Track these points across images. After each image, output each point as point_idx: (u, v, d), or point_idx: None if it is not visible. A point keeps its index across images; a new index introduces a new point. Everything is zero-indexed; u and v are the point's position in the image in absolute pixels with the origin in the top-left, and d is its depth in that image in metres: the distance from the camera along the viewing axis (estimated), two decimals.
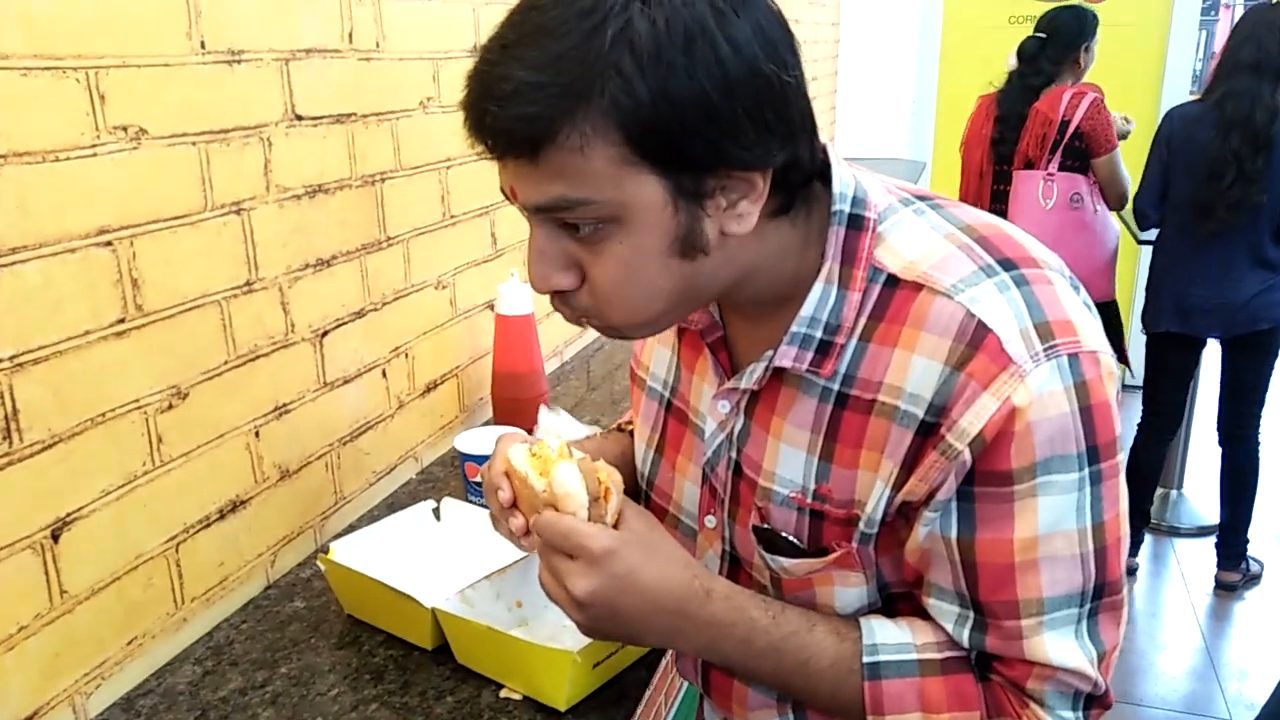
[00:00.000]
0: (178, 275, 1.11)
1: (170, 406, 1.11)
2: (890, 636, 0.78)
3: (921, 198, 0.81)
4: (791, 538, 0.81)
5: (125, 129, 1.03)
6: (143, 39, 1.04)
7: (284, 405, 1.30)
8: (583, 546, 0.74)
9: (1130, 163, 3.15)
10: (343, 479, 1.42)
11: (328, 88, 1.33)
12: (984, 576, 0.73)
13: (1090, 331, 0.72)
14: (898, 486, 0.74)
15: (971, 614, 0.76)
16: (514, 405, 1.70)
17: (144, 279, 1.06)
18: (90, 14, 0.98)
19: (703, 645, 0.79)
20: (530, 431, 1.31)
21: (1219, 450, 3.10)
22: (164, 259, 1.09)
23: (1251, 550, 3.20)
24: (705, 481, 0.89)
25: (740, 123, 0.66)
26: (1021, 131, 3.17)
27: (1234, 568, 3.15)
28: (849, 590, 0.81)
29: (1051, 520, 0.71)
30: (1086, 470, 0.71)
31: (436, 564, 1.30)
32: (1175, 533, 3.52)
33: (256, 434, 1.25)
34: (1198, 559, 3.33)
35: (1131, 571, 3.25)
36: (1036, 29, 3.29)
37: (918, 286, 0.73)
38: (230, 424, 1.21)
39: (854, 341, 0.76)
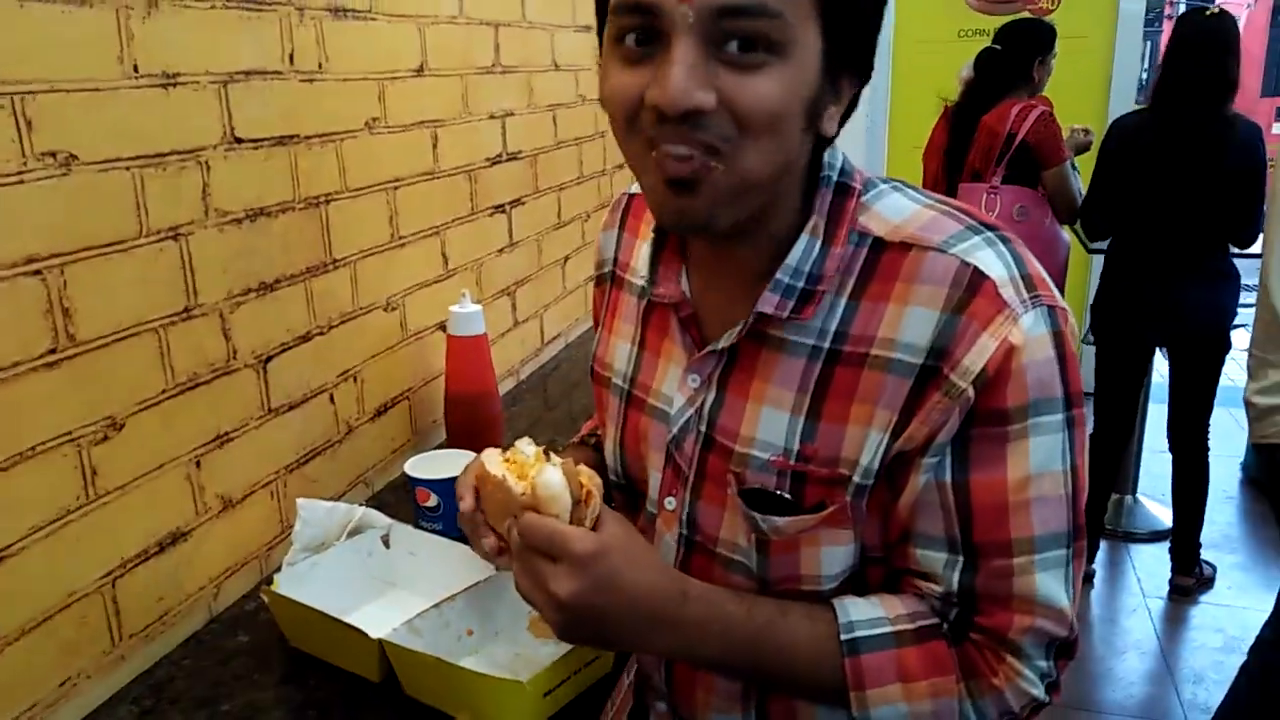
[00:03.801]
0: (112, 303, 1.08)
1: (105, 438, 1.08)
2: (864, 613, 0.80)
3: (897, 180, 0.85)
4: (785, 494, 0.81)
5: (54, 155, 1.00)
6: (72, 64, 1.02)
7: (226, 434, 1.27)
8: (567, 549, 0.74)
9: (1086, 174, 3.19)
10: (289, 507, 1.39)
11: (269, 110, 1.31)
12: (979, 518, 0.76)
13: (1058, 294, 0.78)
14: (896, 434, 0.76)
15: (961, 558, 0.78)
16: (468, 427, 1.68)
17: (76, 308, 1.04)
18: (16, 40, 0.96)
19: (679, 646, 0.79)
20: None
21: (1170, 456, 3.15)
22: (97, 287, 1.06)
23: (1205, 554, 3.25)
24: (669, 462, 0.89)
25: (874, 35, 0.75)
26: (970, 143, 3.21)
27: (1188, 572, 3.20)
28: (836, 549, 0.81)
29: (1041, 460, 0.75)
30: (1066, 414, 0.75)
31: (385, 593, 1.28)
32: (1131, 538, 3.56)
33: (197, 464, 1.22)
34: (1153, 564, 3.37)
35: (1089, 578, 3.29)
36: (994, 40, 3.33)
37: (906, 246, 0.77)
38: (169, 454, 1.18)
39: (842, 300, 0.78)
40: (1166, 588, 3.24)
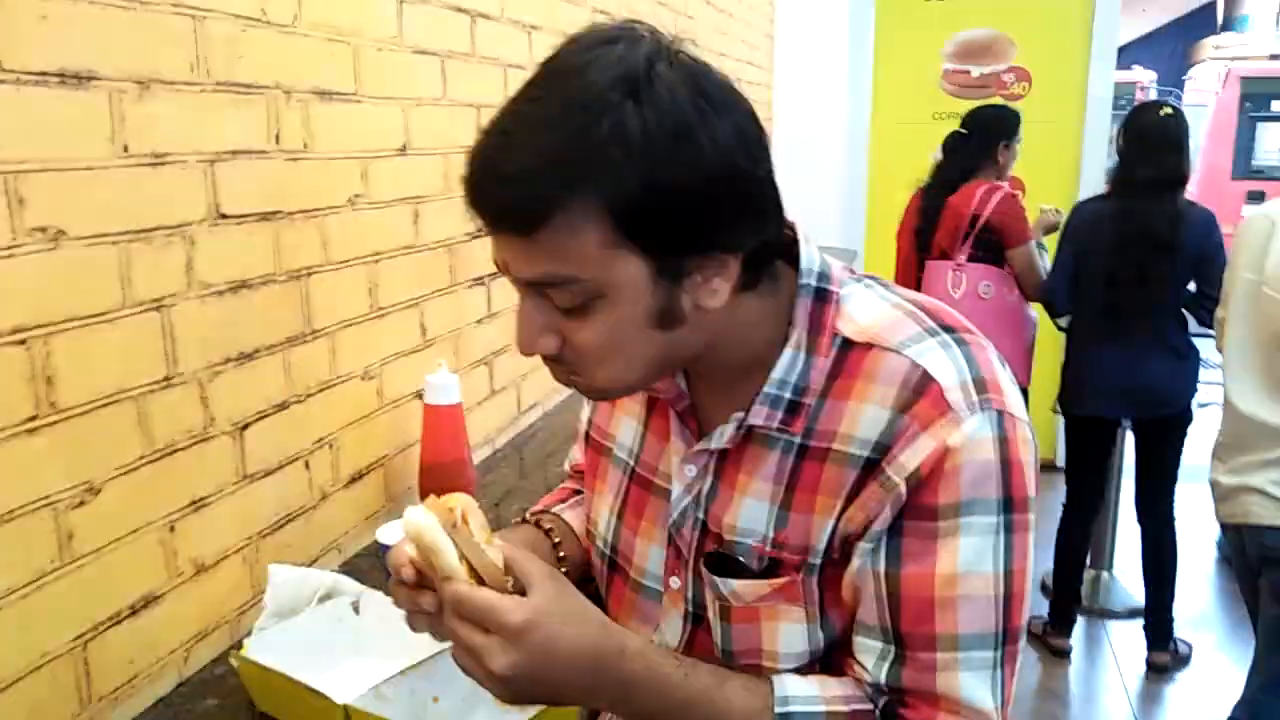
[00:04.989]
0: (94, 372, 1.12)
1: (82, 503, 1.11)
2: (801, 690, 0.82)
3: (869, 278, 0.89)
4: (741, 559, 0.85)
5: (44, 230, 1.05)
6: (65, 144, 1.08)
7: (201, 499, 1.30)
8: (502, 623, 0.73)
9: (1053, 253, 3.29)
10: (261, 573, 1.41)
11: (253, 186, 1.37)
12: (906, 609, 0.79)
13: (1014, 400, 0.80)
14: (839, 517, 0.80)
15: (893, 648, 0.80)
16: (442, 495, 1.70)
17: (58, 376, 1.07)
18: (12, 122, 1.01)
19: (617, 700, 0.81)
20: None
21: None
22: (80, 356, 1.10)
23: (1181, 631, 3.26)
24: (670, 543, 0.92)
25: (719, 212, 0.74)
26: (936, 223, 3.32)
27: (1163, 649, 3.20)
28: (793, 627, 0.84)
29: (970, 560, 0.77)
30: (1003, 517, 0.78)
31: (354, 659, 1.29)
32: (1107, 614, 3.56)
33: (171, 529, 1.25)
34: (1130, 641, 3.37)
35: (1065, 654, 3.28)
36: (961, 125, 3.46)
37: (869, 346, 0.81)
38: (145, 519, 1.21)
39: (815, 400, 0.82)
40: (1143, 665, 3.24)
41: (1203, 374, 3.06)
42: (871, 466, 0.78)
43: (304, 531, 1.52)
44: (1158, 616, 3.20)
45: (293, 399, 1.48)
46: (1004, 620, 0.79)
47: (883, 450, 0.78)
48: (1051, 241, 3.33)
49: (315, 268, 1.52)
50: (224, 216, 1.31)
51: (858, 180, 5.02)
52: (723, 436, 0.86)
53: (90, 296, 1.12)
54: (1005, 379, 0.81)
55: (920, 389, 0.77)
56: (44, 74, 1.04)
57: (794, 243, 0.86)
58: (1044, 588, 3.54)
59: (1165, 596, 3.16)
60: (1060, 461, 3.34)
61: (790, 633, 0.84)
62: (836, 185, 5.12)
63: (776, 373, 0.83)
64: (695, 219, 0.73)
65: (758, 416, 0.83)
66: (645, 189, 0.70)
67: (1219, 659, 3.30)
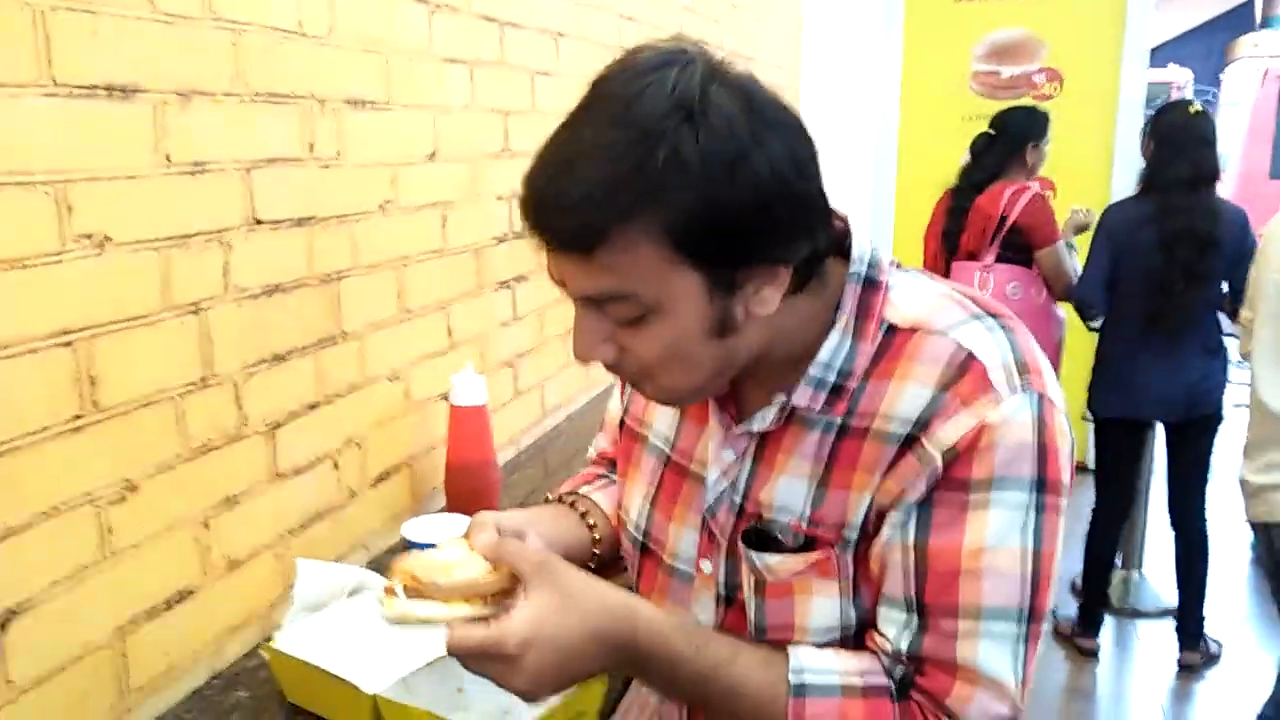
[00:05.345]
0: (134, 373, 1.17)
1: (122, 499, 1.16)
2: (816, 661, 0.84)
3: (914, 270, 0.91)
4: (779, 535, 0.88)
5: (90, 236, 1.10)
6: (112, 154, 1.12)
7: (234, 496, 1.34)
8: (503, 653, 0.76)
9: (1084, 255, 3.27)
10: (291, 568, 1.45)
11: (288, 193, 1.41)
12: (932, 579, 0.80)
13: (1054, 387, 0.82)
14: (876, 491, 0.82)
15: (915, 618, 0.81)
16: (467, 495, 1.74)
17: (101, 377, 1.12)
18: (63, 135, 1.06)
19: (635, 671, 0.84)
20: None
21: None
22: (122, 357, 1.15)
23: (1212, 631, 3.24)
24: (704, 528, 0.94)
25: (772, 229, 0.77)
26: (963, 224, 3.31)
27: (1194, 648, 3.18)
28: (825, 601, 0.86)
29: (999, 533, 0.79)
30: (1035, 496, 0.79)
31: (381, 651, 1.33)
32: (1138, 614, 3.55)
33: (206, 525, 1.29)
34: (1160, 641, 3.35)
35: (1094, 654, 3.27)
36: (990, 126, 3.45)
37: (914, 330, 0.83)
38: (180, 515, 1.25)
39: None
40: (1174, 666, 3.22)
41: (1234, 374, 3.04)
42: (910, 441, 0.80)
43: (333, 529, 1.56)
44: (1189, 616, 3.18)
45: (323, 400, 1.52)
46: (1030, 597, 0.80)
47: (923, 425, 0.79)
48: (1082, 241, 3.31)
49: (346, 272, 1.56)
50: (259, 222, 1.36)
51: (885, 183, 5.01)
52: (765, 419, 0.88)
53: (132, 300, 1.16)
54: (1046, 366, 0.83)
55: (964, 368, 0.79)
56: (93, 87, 1.09)
57: (845, 234, 0.88)
58: (1074, 589, 3.53)
59: (1197, 596, 3.14)
60: (1091, 464, 3.33)
61: (823, 607, 0.86)
62: (864, 187, 5.12)
63: (822, 355, 0.85)
64: (749, 235, 0.76)
65: (802, 398, 0.85)
66: (703, 210, 0.73)
67: (1250, 658, 3.27)
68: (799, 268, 0.81)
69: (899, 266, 0.90)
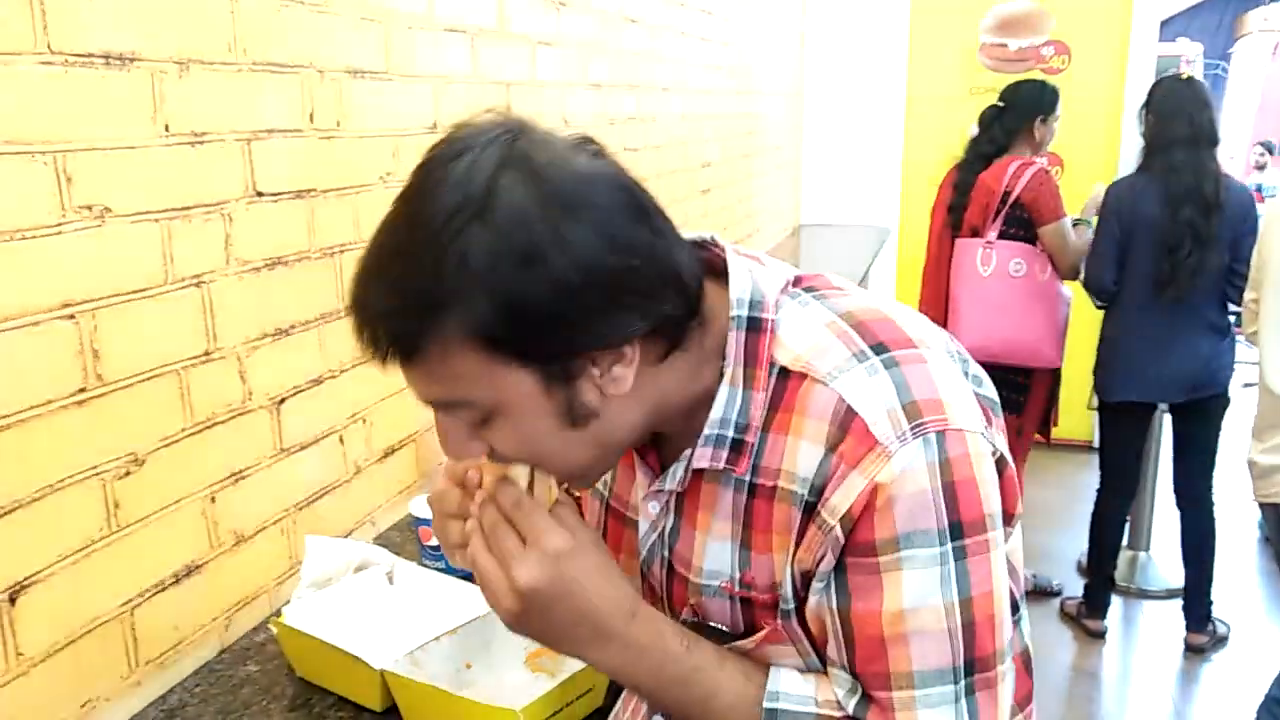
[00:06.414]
0: (138, 346, 1.16)
1: (128, 473, 1.15)
2: (794, 687, 0.82)
3: (807, 288, 0.85)
4: (721, 626, 0.86)
5: (90, 208, 1.08)
6: (110, 125, 1.10)
7: (240, 471, 1.33)
8: (542, 535, 0.75)
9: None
10: (298, 544, 1.45)
11: (288, 165, 1.40)
12: (859, 647, 0.77)
13: (960, 408, 0.76)
14: (793, 556, 0.79)
15: (858, 684, 0.78)
16: None
17: (104, 350, 1.11)
18: (61, 104, 1.04)
19: (616, 665, 0.81)
20: None
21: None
22: (125, 330, 1.13)
23: (1220, 612, 3.23)
24: (644, 580, 0.93)
25: (589, 315, 0.71)
26: (968, 199, 3.28)
27: (1201, 629, 3.18)
28: (792, 662, 0.84)
29: (917, 594, 0.74)
30: (950, 545, 0.74)
31: (388, 627, 1.32)
32: (1144, 595, 3.54)
33: (212, 500, 1.29)
34: (1167, 621, 3.35)
35: (1101, 635, 3.27)
36: (1000, 98, 3.40)
37: (802, 375, 0.78)
38: (186, 490, 1.24)
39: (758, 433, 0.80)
40: (1181, 646, 3.22)
41: (1243, 354, 3.02)
42: (810, 509, 0.76)
43: (339, 504, 1.56)
44: (1196, 598, 3.17)
45: (327, 374, 1.51)
46: (966, 651, 0.76)
47: (817, 492, 0.76)
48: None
49: (348, 245, 1.54)
50: (260, 194, 1.34)
51: (892, 156, 4.98)
52: (674, 477, 0.85)
53: (134, 272, 1.15)
54: (949, 388, 0.77)
55: (845, 425, 0.75)
56: (90, 55, 1.07)
57: (722, 269, 0.82)
58: (1079, 568, 3.52)
59: (1204, 578, 3.13)
60: (1096, 443, 3.31)
61: (792, 662, 0.84)
62: (870, 162, 5.08)
63: (715, 412, 0.80)
64: (565, 327, 0.70)
65: (702, 459, 0.81)
66: (503, 311, 0.68)
67: (1258, 638, 3.27)
68: (661, 332, 0.75)
69: (796, 285, 0.84)
